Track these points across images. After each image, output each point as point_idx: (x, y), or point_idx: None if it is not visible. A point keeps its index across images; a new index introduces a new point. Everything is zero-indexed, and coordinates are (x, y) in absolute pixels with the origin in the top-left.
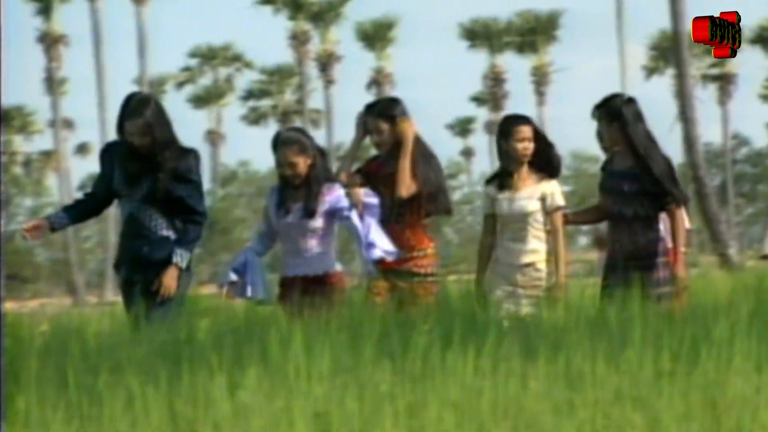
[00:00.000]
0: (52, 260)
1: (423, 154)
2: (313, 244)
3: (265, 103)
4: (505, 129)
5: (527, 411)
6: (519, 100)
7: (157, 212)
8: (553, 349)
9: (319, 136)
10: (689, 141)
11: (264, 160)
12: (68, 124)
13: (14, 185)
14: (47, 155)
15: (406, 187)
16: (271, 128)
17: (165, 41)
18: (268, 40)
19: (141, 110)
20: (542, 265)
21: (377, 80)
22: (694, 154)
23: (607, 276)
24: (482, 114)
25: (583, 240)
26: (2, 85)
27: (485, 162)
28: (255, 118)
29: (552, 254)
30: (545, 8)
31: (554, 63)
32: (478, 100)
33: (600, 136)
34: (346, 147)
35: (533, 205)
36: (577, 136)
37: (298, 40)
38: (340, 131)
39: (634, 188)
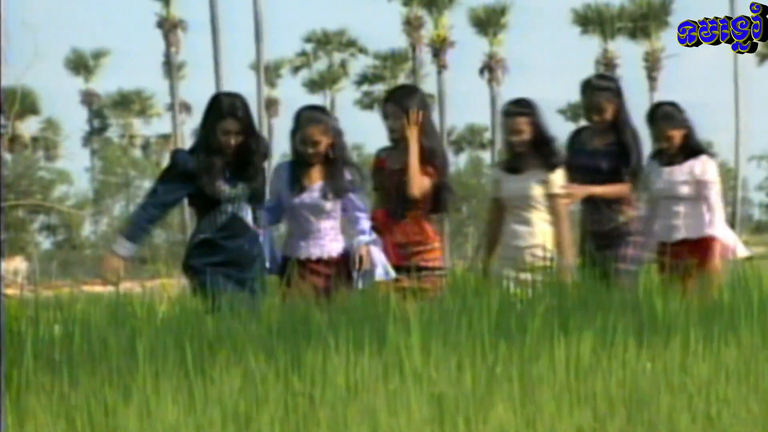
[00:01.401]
0: (170, 242)
1: (431, 150)
2: (327, 226)
3: (379, 87)
4: (502, 117)
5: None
6: (631, 86)
7: (249, 210)
8: (665, 333)
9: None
10: None
11: (377, 144)
12: (186, 107)
13: (134, 167)
14: (165, 138)
15: (418, 186)
16: None
17: (281, 26)
18: (381, 25)
19: (242, 110)
20: (550, 245)
21: (490, 65)
22: None
23: (583, 256)
24: None
25: None
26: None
27: None
28: (369, 103)
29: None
30: None
31: (666, 49)
32: None
33: (593, 108)
34: (458, 131)
35: (535, 188)
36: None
37: (412, 25)
38: (452, 116)
39: (613, 166)
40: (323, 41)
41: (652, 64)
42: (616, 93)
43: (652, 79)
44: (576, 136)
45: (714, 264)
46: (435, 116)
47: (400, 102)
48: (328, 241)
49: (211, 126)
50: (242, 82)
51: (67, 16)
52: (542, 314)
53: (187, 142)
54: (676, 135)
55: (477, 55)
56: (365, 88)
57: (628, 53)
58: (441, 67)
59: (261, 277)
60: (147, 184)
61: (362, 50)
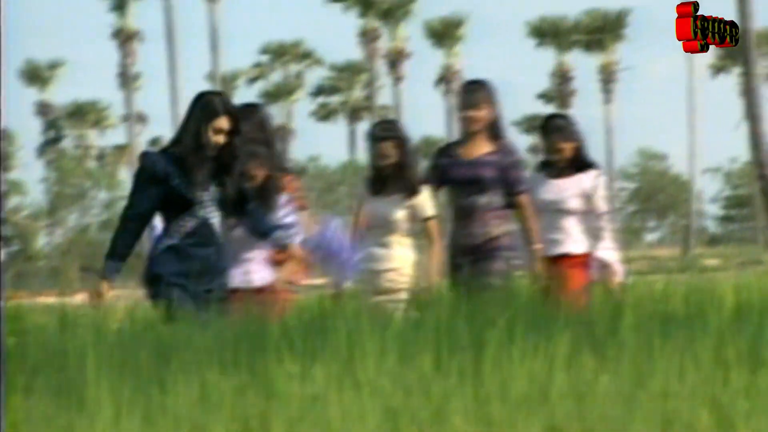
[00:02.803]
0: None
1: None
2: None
3: (335, 99)
4: (369, 140)
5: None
6: (586, 98)
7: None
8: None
9: None
10: (755, 139)
11: (334, 155)
12: (141, 118)
13: (89, 179)
14: (121, 149)
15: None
16: (340, 124)
17: (236, 37)
18: (338, 37)
19: (233, 109)
20: (407, 270)
21: (446, 77)
22: (760, 152)
23: (455, 273)
24: (549, 111)
25: (649, 237)
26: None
27: None
28: (325, 114)
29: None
30: (613, 7)
31: (621, 61)
32: (545, 97)
33: (469, 105)
34: (414, 143)
35: (398, 212)
36: (643, 134)
37: (368, 37)
38: (408, 127)
39: (493, 176)
40: (279, 52)
41: (607, 77)
42: (493, 96)
43: (606, 91)
44: (444, 150)
45: (589, 279)
46: None
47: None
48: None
49: (201, 124)
50: None
51: (22, 26)
52: (500, 327)
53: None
54: (568, 148)
55: (433, 67)
56: (321, 99)
57: (583, 66)
58: (397, 79)
59: (222, 291)
60: (102, 196)
61: (318, 62)
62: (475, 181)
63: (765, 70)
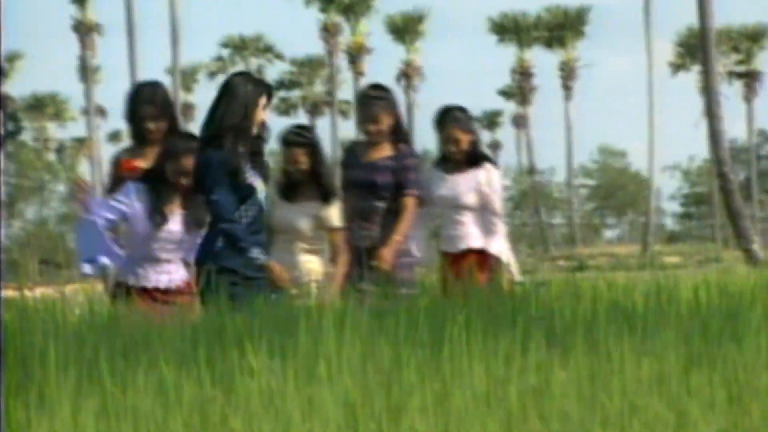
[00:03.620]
0: None
1: None
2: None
3: (295, 94)
4: (281, 145)
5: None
6: (546, 95)
7: None
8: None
9: (347, 128)
10: (714, 137)
11: None
12: (101, 111)
13: (48, 171)
14: (80, 142)
15: None
16: (301, 119)
17: (197, 31)
18: (298, 31)
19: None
20: (314, 277)
21: (406, 73)
22: (720, 150)
23: (358, 279)
24: (510, 108)
25: (608, 234)
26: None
27: (512, 155)
28: (285, 109)
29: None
30: (574, 4)
31: (582, 58)
32: (506, 93)
33: (368, 119)
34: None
35: (304, 221)
36: (603, 131)
37: (329, 32)
38: None
39: (388, 180)
40: (240, 46)
41: (568, 74)
42: (392, 104)
43: (567, 88)
44: (350, 149)
45: (491, 276)
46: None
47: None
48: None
49: (248, 108)
50: None
51: None
52: (458, 323)
53: (102, 146)
54: (464, 139)
55: (394, 63)
56: (282, 94)
57: (543, 62)
58: (358, 74)
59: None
60: (61, 189)
61: (279, 56)
62: (371, 185)
63: (724, 69)
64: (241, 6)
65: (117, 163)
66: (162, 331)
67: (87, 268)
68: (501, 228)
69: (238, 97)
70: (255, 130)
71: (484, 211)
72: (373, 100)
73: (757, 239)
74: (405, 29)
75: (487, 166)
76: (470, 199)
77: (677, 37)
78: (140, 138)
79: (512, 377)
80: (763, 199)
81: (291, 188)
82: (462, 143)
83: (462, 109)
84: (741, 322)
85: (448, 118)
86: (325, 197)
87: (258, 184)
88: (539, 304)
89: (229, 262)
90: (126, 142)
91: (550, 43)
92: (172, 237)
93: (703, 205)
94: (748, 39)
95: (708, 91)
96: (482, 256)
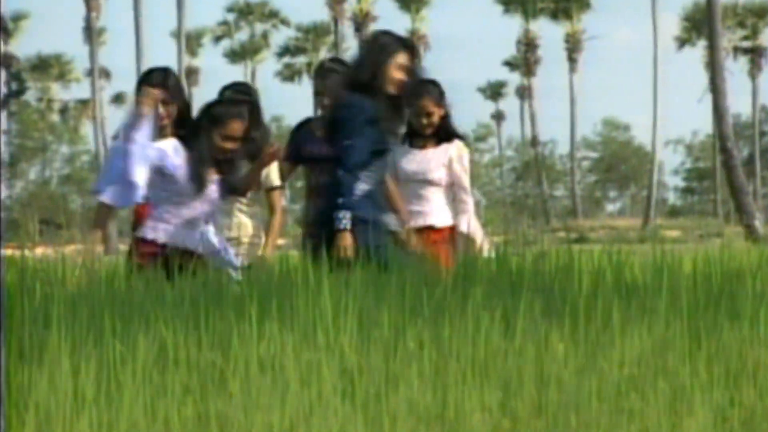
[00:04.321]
0: (86, 207)
1: None
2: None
3: (300, 60)
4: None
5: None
6: (551, 67)
7: None
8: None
9: None
10: (719, 112)
11: (297, 117)
12: (105, 73)
13: (51, 132)
14: (84, 104)
15: None
16: (306, 85)
17: None
18: None
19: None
20: (247, 239)
21: (412, 41)
22: (723, 125)
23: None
24: (514, 79)
25: (610, 207)
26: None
27: (515, 126)
28: (289, 75)
29: (266, 229)
30: None
31: (587, 30)
32: (510, 65)
33: (326, 92)
34: None
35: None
36: (607, 104)
37: None
38: None
39: (331, 154)
40: (245, 11)
41: (573, 46)
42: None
43: (572, 60)
44: (305, 124)
45: (455, 252)
46: None
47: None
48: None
49: (386, 63)
50: (163, 51)
51: None
52: (456, 293)
53: (105, 108)
54: (437, 113)
55: (399, 31)
56: (286, 60)
57: (549, 34)
58: (363, 42)
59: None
60: (64, 149)
61: (284, 22)
62: (330, 159)
63: (730, 44)
64: None
65: None
66: (161, 294)
67: (107, 196)
68: (471, 206)
69: (373, 52)
70: (390, 90)
71: (453, 187)
72: (329, 73)
73: (759, 215)
74: None
75: (458, 143)
76: (439, 174)
77: (683, 11)
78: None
79: (510, 348)
80: (765, 176)
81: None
82: (434, 116)
83: (435, 83)
84: (740, 298)
85: (422, 90)
86: (252, 159)
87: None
88: (539, 275)
89: (366, 212)
90: (130, 104)
91: (555, 15)
92: (210, 201)
93: (706, 180)
94: (753, 15)
95: (713, 66)
96: (446, 233)
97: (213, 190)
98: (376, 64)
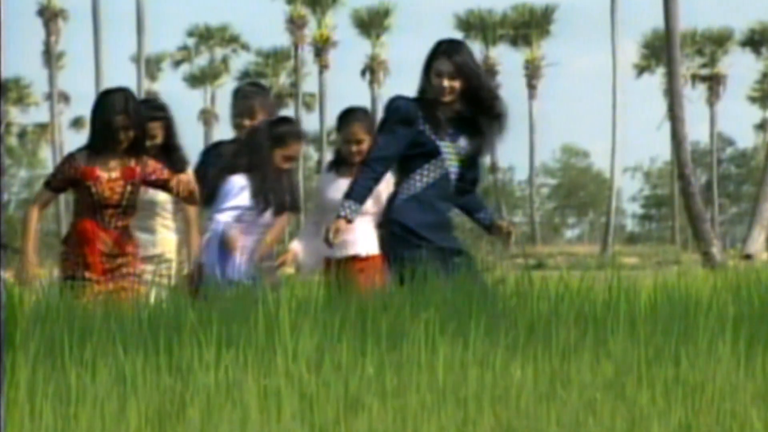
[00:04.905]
0: (44, 232)
1: None
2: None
3: None
4: None
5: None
6: (511, 93)
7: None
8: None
9: (311, 120)
10: (677, 139)
11: None
12: (64, 97)
13: (9, 156)
14: (42, 128)
15: None
16: None
17: (163, 19)
18: (264, 23)
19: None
20: (172, 255)
21: (371, 67)
22: (682, 152)
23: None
24: None
25: (568, 233)
26: (2, 59)
27: None
28: None
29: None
30: (540, 2)
31: (546, 57)
32: None
33: (245, 113)
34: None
35: (161, 194)
36: (566, 131)
37: (295, 24)
38: (332, 116)
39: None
40: (205, 36)
41: (533, 72)
42: (265, 104)
43: (531, 87)
44: (216, 146)
45: (381, 281)
46: (315, 116)
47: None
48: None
49: (426, 71)
50: (123, 75)
51: None
52: (416, 317)
53: (64, 132)
54: (367, 140)
55: (359, 57)
56: None
57: (508, 60)
58: (323, 67)
59: (465, 248)
60: (22, 174)
61: (244, 47)
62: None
63: (688, 71)
64: None
65: (74, 166)
66: (121, 317)
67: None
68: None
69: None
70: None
71: (377, 216)
72: (246, 96)
73: (716, 242)
74: (371, 23)
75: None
76: (366, 203)
77: (642, 39)
78: (104, 146)
79: (470, 373)
80: (723, 203)
81: None
82: (364, 144)
83: (365, 111)
84: (697, 324)
85: (352, 117)
86: (178, 171)
87: (446, 149)
88: (498, 301)
89: (407, 219)
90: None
91: (515, 41)
92: (266, 221)
93: (664, 207)
94: (712, 42)
95: (671, 94)
96: (372, 262)
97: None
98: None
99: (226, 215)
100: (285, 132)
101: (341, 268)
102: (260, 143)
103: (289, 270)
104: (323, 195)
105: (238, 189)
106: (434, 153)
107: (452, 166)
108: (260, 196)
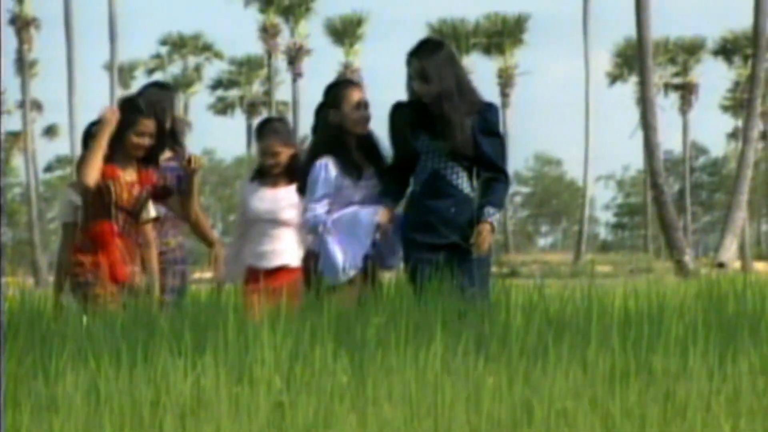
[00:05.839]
0: (16, 240)
1: None
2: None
3: (233, 93)
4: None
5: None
6: None
7: (462, 169)
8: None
9: None
10: (650, 148)
11: (229, 150)
12: (37, 106)
13: None
14: (15, 136)
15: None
16: (238, 118)
17: (136, 28)
18: (238, 31)
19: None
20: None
21: (344, 75)
22: (654, 161)
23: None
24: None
25: (542, 242)
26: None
27: None
28: (222, 108)
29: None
30: (513, 11)
31: (519, 66)
32: None
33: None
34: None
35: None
36: (539, 139)
37: (268, 32)
38: (306, 124)
39: (174, 183)
40: (178, 45)
41: (506, 81)
42: (167, 107)
43: (504, 95)
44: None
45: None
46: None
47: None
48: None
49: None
50: (96, 83)
51: None
52: (382, 326)
53: (37, 140)
54: (284, 152)
55: (332, 65)
56: (219, 93)
57: (482, 69)
58: (296, 75)
59: (465, 241)
60: None
61: (217, 55)
62: (156, 187)
63: (661, 80)
64: (180, 4)
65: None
66: (92, 327)
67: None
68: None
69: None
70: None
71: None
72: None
73: (689, 251)
74: (344, 32)
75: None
76: (290, 214)
77: (615, 48)
78: (124, 150)
79: (443, 381)
80: (696, 211)
81: None
82: (281, 156)
83: (282, 121)
84: (668, 333)
85: (267, 130)
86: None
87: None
88: (471, 309)
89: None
90: (63, 137)
91: (488, 50)
92: (364, 190)
93: (636, 215)
94: (684, 51)
95: (644, 102)
96: (296, 273)
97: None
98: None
99: (322, 205)
100: (337, 90)
101: (270, 278)
102: (324, 117)
103: (207, 274)
104: (247, 205)
105: (322, 172)
106: (417, 154)
107: (440, 163)
108: (350, 167)
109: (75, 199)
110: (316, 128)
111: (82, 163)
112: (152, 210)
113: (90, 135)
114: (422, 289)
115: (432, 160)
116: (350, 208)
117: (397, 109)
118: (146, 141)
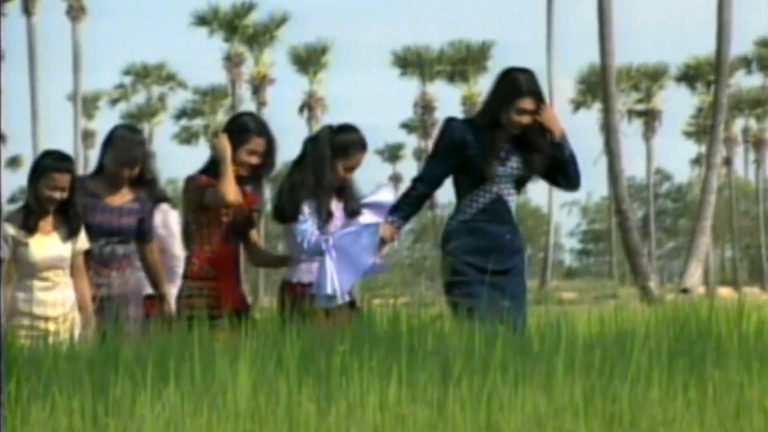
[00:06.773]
0: None
1: None
2: None
3: (197, 122)
4: (42, 170)
5: None
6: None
7: (516, 196)
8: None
9: None
10: (613, 174)
11: None
12: (0, 137)
13: None
14: None
15: None
16: (202, 148)
17: (100, 58)
18: (202, 60)
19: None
20: (76, 313)
21: (309, 104)
22: (618, 187)
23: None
24: (412, 141)
25: None
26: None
27: None
28: (186, 137)
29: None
30: (477, 39)
31: (483, 93)
32: (408, 127)
33: (129, 162)
34: (276, 169)
35: (65, 249)
36: None
37: (232, 61)
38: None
39: (133, 225)
40: (142, 74)
41: (470, 108)
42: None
43: None
44: (90, 185)
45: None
46: None
47: None
48: None
49: (504, 103)
50: (59, 114)
51: None
52: (347, 354)
53: (0, 171)
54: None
55: (297, 93)
56: (184, 122)
57: (446, 96)
58: (260, 104)
59: (521, 271)
60: None
61: (181, 84)
62: (118, 230)
63: (624, 107)
64: (144, 34)
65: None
66: (56, 357)
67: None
68: (180, 271)
69: (494, 94)
70: (512, 131)
71: (162, 254)
72: (137, 144)
73: (653, 276)
74: (308, 60)
75: (163, 207)
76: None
77: (578, 75)
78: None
79: (407, 409)
80: (660, 237)
81: (38, 218)
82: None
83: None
84: (632, 359)
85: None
86: (74, 227)
87: (499, 173)
88: (434, 337)
89: (455, 245)
90: (26, 168)
91: (452, 77)
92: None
93: (601, 241)
94: (648, 78)
95: (608, 129)
96: (154, 301)
97: (337, 218)
98: (498, 104)
99: (309, 224)
100: (347, 141)
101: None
102: (322, 154)
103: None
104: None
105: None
106: (484, 178)
107: (504, 188)
108: (320, 210)
109: (14, 234)
110: (301, 161)
111: (218, 187)
112: (86, 242)
113: (35, 168)
114: (479, 318)
115: (498, 184)
116: (353, 227)
117: (458, 126)
118: (255, 160)
